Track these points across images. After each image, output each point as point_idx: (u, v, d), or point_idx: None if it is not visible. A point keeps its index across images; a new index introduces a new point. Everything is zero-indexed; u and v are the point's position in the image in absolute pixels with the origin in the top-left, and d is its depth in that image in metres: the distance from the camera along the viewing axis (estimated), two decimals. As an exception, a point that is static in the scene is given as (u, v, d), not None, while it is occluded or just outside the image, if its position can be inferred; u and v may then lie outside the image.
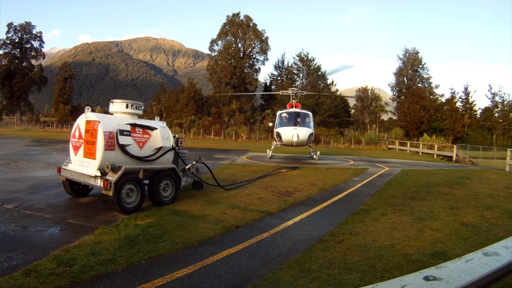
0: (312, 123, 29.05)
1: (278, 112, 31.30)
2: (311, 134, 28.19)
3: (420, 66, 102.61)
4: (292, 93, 32.53)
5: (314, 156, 31.63)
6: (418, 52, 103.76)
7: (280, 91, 34.72)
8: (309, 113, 29.57)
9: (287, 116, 28.99)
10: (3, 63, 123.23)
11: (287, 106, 31.58)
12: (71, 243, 8.37)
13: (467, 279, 2.21)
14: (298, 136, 26.73)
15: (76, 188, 13.56)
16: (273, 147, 32.10)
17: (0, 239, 8.57)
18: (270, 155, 31.54)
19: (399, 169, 27.00)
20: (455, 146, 48.28)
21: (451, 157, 46.43)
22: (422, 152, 53.10)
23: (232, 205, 12.97)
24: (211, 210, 11.97)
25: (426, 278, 2.20)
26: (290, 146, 29.36)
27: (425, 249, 8.42)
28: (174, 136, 14.23)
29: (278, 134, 29.09)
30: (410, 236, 9.49)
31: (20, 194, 13.69)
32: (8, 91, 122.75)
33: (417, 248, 8.47)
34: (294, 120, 28.34)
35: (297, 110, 29.86)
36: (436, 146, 52.03)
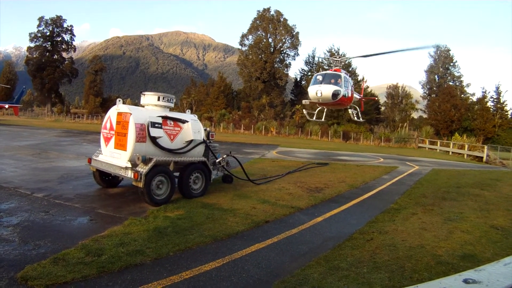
0: (343, 83, 28.27)
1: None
2: (336, 92, 27.46)
3: (452, 64, 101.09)
4: (336, 59, 32.59)
5: (355, 118, 31.69)
6: (450, 50, 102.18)
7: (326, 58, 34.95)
8: (341, 74, 29.34)
9: (317, 77, 29.18)
10: (35, 56, 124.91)
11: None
12: (100, 233, 8.46)
13: (506, 283, 2.17)
14: (321, 93, 27.09)
15: (106, 178, 13.72)
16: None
17: (29, 227, 8.68)
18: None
19: (429, 168, 26.74)
20: (485, 147, 47.60)
21: (482, 157, 45.83)
22: (452, 152, 52.55)
23: (261, 199, 12.97)
24: (240, 204, 11.97)
25: (466, 281, 2.16)
26: (318, 104, 29.72)
27: (454, 251, 8.32)
28: (205, 130, 14.28)
29: (307, 93, 29.58)
30: (440, 237, 9.38)
31: (50, 184, 13.88)
32: (39, 83, 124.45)
33: (446, 249, 8.38)
34: (322, 79, 28.42)
35: (327, 72, 29.73)
36: (466, 146, 51.38)
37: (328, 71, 29.39)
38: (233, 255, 7.58)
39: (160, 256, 7.26)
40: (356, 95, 30.28)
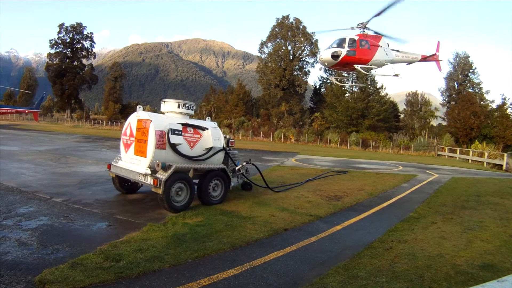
0: (347, 45, 31.32)
1: None
2: (335, 53, 31.09)
3: (471, 70, 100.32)
4: (358, 27, 33.87)
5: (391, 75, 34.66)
6: (469, 56, 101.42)
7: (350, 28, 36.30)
8: (346, 37, 32.19)
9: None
10: (55, 62, 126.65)
11: None
12: (118, 238, 8.48)
13: (529, 294, 2.15)
14: (322, 58, 32.01)
15: (126, 184, 13.80)
16: None
17: (48, 232, 8.74)
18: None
19: (449, 177, 26.51)
20: (505, 155, 47.15)
21: (501, 165, 45.47)
22: (471, 160, 52.26)
23: (280, 207, 12.92)
24: (259, 212, 11.94)
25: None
26: (333, 68, 34.98)
27: (474, 260, 8.23)
28: (225, 137, 14.27)
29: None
30: (459, 246, 9.29)
31: (69, 189, 13.97)
32: (59, 89, 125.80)
33: (466, 259, 8.29)
34: (329, 46, 32.05)
35: (336, 39, 32.55)
36: (486, 154, 51.01)
37: (337, 38, 32.41)
38: (252, 262, 7.55)
39: (178, 263, 7.24)
40: (385, 56, 32.90)
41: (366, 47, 31.76)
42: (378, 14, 30.80)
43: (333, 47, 31.86)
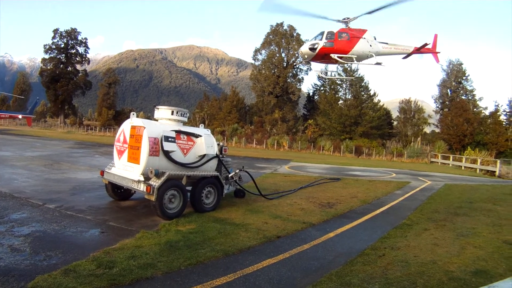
0: (324, 37, 32.15)
1: None
2: (312, 46, 32.13)
3: (464, 77, 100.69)
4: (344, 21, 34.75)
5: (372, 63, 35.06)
6: (462, 64, 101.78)
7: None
8: (325, 30, 32.78)
9: None
10: (49, 67, 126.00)
11: None
12: (111, 245, 8.48)
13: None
14: (301, 51, 33.15)
15: (119, 191, 13.76)
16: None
17: (41, 238, 8.72)
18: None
19: (442, 184, 26.63)
20: (498, 161, 47.40)
21: (494, 172, 45.69)
22: (464, 167, 52.50)
23: (273, 214, 12.94)
24: (252, 219, 11.95)
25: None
26: (305, 59, 35.74)
27: (466, 266, 8.26)
28: (218, 144, 14.29)
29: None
30: (452, 252, 9.33)
31: (62, 195, 13.94)
32: (53, 94, 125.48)
33: (458, 265, 8.32)
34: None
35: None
36: (479, 161, 51.24)
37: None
38: (245, 270, 7.55)
39: (171, 270, 7.25)
40: (369, 47, 33.51)
41: (345, 38, 32.65)
42: (371, 12, 31.54)
43: (311, 41, 32.95)
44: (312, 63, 60.38)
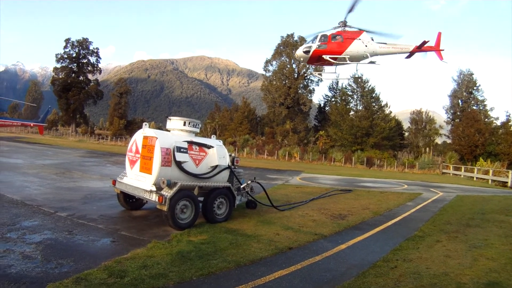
0: (318, 40, 33.64)
1: None
2: (306, 49, 33.96)
3: (475, 88, 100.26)
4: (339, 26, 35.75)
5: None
6: (473, 74, 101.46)
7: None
8: (319, 34, 34.11)
9: None
10: (61, 77, 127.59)
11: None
12: (123, 254, 8.47)
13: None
14: (297, 54, 34.99)
15: (130, 201, 13.76)
16: None
17: (52, 246, 8.74)
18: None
19: (454, 195, 26.47)
20: (510, 172, 46.93)
21: (506, 183, 45.27)
22: (476, 177, 52.08)
23: (285, 226, 12.89)
24: (264, 230, 11.91)
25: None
26: (301, 62, 38.62)
27: (479, 278, 8.21)
28: (230, 155, 14.27)
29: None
30: (464, 264, 9.27)
31: (73, 204, 14.00)
32: (64, 103, 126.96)
33: (471, 277, 8.27)
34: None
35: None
36: (491, 172, 50.89)
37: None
38: (257, 281, 7.52)
39: (183, 280, 7.22)
40: (365, 48, 34.44)
41: (339, 40, 33.50)
42: (351, 10, 32.27)
43: (306, 44, 34.58)
44: (322, 75, 61.54)
